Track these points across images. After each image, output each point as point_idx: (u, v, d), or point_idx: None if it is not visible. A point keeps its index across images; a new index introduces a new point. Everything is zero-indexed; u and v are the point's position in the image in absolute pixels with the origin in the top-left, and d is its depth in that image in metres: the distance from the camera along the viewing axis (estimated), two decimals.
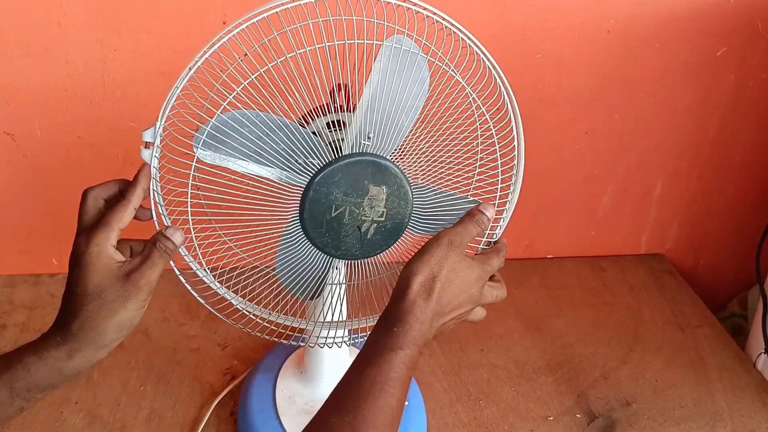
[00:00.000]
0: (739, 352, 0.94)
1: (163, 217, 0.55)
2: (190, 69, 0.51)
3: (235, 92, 0.51)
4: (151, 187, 0.53)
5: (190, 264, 0.59)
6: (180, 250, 0.55)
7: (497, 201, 0.63)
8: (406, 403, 0.76)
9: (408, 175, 0.59)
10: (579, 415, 0.83)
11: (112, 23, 0.84)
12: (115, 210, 0.51)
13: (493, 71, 0.57)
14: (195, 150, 0.53)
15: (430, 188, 0.61)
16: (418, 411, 0.80)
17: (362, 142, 0.55)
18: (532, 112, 0.96)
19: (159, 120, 0.53)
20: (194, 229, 0.56)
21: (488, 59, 0.56)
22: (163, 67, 0.88)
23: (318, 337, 0.67)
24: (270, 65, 0.51)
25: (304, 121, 0.57)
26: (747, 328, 1.04)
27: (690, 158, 1.06)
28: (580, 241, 1.13)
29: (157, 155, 0.53)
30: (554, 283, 1.07)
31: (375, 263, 0.64)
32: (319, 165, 0.55)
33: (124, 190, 0.53)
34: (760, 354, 0.90)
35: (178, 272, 0.57)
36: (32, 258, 1.03)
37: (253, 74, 0.51)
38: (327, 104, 0.55)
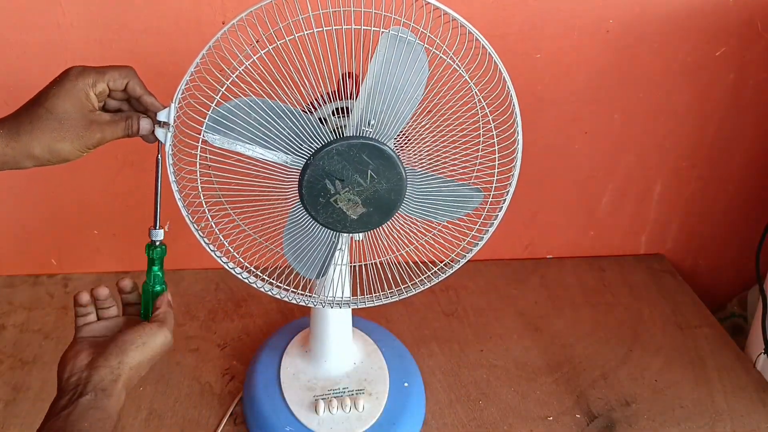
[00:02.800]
0: (738, 352, 0.94)
1: (175, 192, 0.60)
2: (206, 49, 0.55)
3: (238, 72, 0.54)
4: (167, 162, 0.59)
5: (201, 240, 0.63)
6: (191, 226, 0.61)
7: (493, 189, 0.65)
8: (405, 384, 0.78)
9: (410, 161, 0.62)
10: (578, 416, 0.83)
11: (112, 23, 0.84)
12: (116, 67, 0.56)
13: (497, 62, 0.58)
14: (203, 133, 0.57)
15: (426, 173, 0.63)
16: (419, 393, 0.82)
17: (363, 128, 0.58)
18: (532, 112, 0.96)
19: (173, 101, 0.57)
20: (206, 203, 0.60)
21: (488, 47, 0.57)
22: (162, 68, 0.88)
23: (322, 297, 0.70)
24: (270, 47, 0.54)
25: (312, 107, 0.59)
26: (747, 328, 1.04)
27: (690, 158, 1.06)
28: (580, 242, 1.13)
29: (171, 134, 0.58)
30: (554, 283, 1.07)
31: (376, 247, 0.67)
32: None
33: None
34: (760, 354, 0.90)
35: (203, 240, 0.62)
36: (31, 258, 1.03)
37: (261, 62, 0.55)
38: (334, 92, 0.58)
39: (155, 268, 0.61)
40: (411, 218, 0.65)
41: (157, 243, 0.61)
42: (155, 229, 0.61)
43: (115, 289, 0.62)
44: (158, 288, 0.62)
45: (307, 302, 0.69)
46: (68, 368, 0.54)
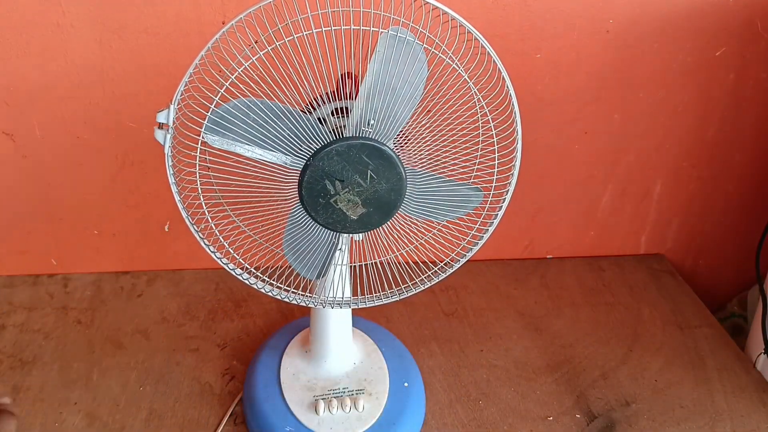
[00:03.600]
0: (738, 352, 0.94)
1: (174, 194, 0.60)
2: (206, 49, 0.55)
3: (237, 73, 0.54)
4: (167, 164, 0.59)
5: (200, 241, 0.62)
6: (190, 227, 0.60)
7: (493, 189, 0.65)
8: (405, 384, 0.78)
9: (410, 161, 0.62)
10: (578, 416, 0.83)
11: (111, 23, 0.84)
12: None
13: (496, 60, 0.58)
14: (202, 134, 0.57)
15: (425, 172, 0.63)
16: (419, 393, 0.82)
17: (363, 128, 0.58)
18: (532, 112, 0.97)
19: (173, 102, 0.57)
20: (206, 204, 0.60)
21: (487, 47, 0.57)
22: (162, 68, 0.88)
23: (322, 297, 0.70)
24: (270, 48, 0.54)
25: (311, 108, 0.59)
26: (747, 328, 1.04)
27: (690, 158, 1.06)
28: (580, 242, 1.13)
29: (170, 135, 0.57)
30: (554, 283, 1.07)
31: (376, 247, 0.67)
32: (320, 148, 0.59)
33: None
34: (760, 354, 0.90)
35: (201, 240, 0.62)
36: (31, 258, 1.03)
37: (261, 63, 0.55)
38: (334, 92, 0.58)
39: None
40: (411, 218, 0.65)
41: None
42: None
43: None
44: None
45: (307, 302, 0.69)
46: None
